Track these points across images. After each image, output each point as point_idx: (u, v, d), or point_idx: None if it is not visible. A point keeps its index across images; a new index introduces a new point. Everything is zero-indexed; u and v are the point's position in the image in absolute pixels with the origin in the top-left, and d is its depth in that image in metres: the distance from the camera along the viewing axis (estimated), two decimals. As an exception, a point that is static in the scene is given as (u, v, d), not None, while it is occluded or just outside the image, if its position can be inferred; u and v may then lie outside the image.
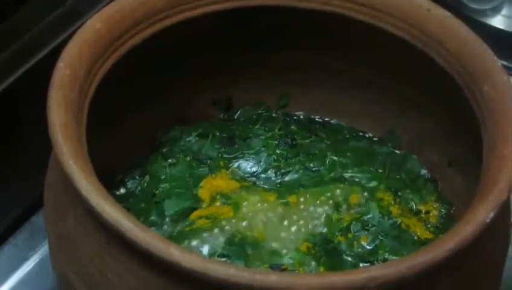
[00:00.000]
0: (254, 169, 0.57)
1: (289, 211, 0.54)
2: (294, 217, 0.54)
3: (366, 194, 0.55)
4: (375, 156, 0.58)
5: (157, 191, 0.55)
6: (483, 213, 0.41)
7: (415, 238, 0.54)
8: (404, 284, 0.39)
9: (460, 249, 0.40)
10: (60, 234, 0.45)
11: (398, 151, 0.59)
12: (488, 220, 0.41)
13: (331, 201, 0.55)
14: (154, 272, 0.40)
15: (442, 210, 0.56)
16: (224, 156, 0.57)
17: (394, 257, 0.52)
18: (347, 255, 0.52)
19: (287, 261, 0.51)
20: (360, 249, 0.53)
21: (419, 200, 0.56)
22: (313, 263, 0.51)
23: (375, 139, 0.60)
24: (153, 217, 0.53)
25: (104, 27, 0.49)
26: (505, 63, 0.72)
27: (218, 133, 0.58)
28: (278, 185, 0.56)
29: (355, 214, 0.54)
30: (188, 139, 0.58)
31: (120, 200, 0.54)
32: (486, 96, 0.47)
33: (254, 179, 0.57)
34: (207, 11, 0.53)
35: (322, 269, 0.51)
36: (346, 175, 0.56)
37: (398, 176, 0.57)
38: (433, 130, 0.57)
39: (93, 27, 0.48)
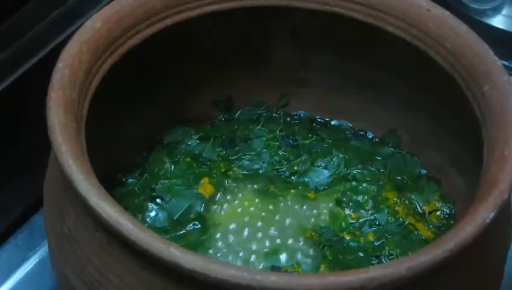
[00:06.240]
0: (256, 171, 0.57)
1: (295, 208, 0.54)
2: (301, 213, 0.54)
3: (373, 193, 0.56)
4: (377, 156, 0.58)
5: (156, 187, 0.55)
6: (483, 214, 0.41)
7: (422, 238, 0.54)
8: (404, 284, 0.39)
9: (461, 250, 0.40)
10: (60, 234, 0.45)
11: (399, 152, 0.59)
12: (488, 221, 0.41)
13: (338, 199, 0.55)
14: (154, 272, 0.40)
15: (445, 209, 0.56)
16: (226, 158, 0.57)
17: (400, 252, 0.52)
18: (353, 248, 0.52)
19: (288, 254, 0.52)
20: (366, 244, 0.53)
21: (422, 200, 0.56)
22: (315, 255, 0.52)
23: (376, 139, 0.60)
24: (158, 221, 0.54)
25: (104, 27, 0.49)
26: (505, 63, 0.72)
27: (218, 136, 0.58)
28: (283, 184, 0.56)
29: (363, 212, 0.54)
30: (189, 143, 0.58)
31: (119, 198, 0.54)
32: (487, 96, 0.47)
33: (257, 179, 0.57)
34: (207, 11, 0.53)
35: (323, 267, 0.51)
36: (352, 173, 0.57)
37: (399, 177, 0.57)
38: (434, 130, 0.57)
39: (92, 27, 0.48)
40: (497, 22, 0.76)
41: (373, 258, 0.52)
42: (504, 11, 0.77)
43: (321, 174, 0.57)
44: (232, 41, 0.57)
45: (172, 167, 0.56)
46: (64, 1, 0.64)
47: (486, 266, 0.45)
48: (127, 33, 0.50)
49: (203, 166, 0.57)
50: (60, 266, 0.46)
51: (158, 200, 0.54)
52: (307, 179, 0.56)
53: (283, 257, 0.52)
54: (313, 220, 0.54)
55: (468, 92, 0.49)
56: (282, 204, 0.55)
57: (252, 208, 0.54)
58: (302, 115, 0.61)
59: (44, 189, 0.49)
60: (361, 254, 0.52)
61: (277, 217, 0.54)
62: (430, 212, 0.56)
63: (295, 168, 0.57)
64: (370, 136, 0.60)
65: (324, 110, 0.61)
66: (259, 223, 0.53)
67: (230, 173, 0.57)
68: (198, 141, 0.58)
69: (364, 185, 0.56)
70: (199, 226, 0.53)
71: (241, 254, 0.52)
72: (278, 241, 0.53)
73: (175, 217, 0.54)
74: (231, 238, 0.53)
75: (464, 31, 0.50)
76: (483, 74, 0.48)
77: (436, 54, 0.51)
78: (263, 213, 0.54)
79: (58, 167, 0.43)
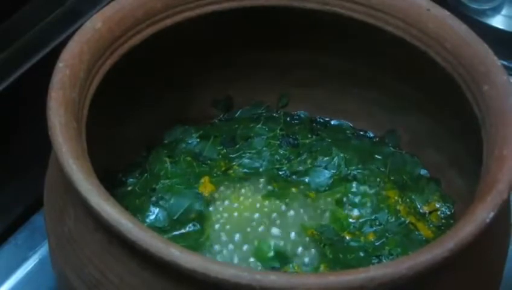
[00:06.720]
0: (257, 169, 0.57)
1: (296, 207, 0.54)
2: (302, 212, 0.54)
3: (373, 192, 0.56)
4: (377, 155, 0.58)
5: (157, 187, 0.55)
6: (482, 213, 0.41)
7: (422, 238, 0.54)
8: (404, 284, 0.39)
9: (460, 250, 0.40)
10: (60, 234, 0.45)
11: (398, 152, 0.59)
12: (487, 220, 0.41)
13: (339, 199, 0.55)
14: (154, 272, 0.40)
15: (444, 209, 0.56)
16: (226, 156, 0.58)
17: (400, 251, 0.52)
18: (353, 248, 0.52)
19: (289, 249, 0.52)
20: (367, 244, 0.53)
21: (422, 201, 0.56)
22: (316, 254, 0.52)
23: (376, 139, 0.60)
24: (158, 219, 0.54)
25: (104, 27, 0.49)
26: (505, 62, 0.72)
27: (219, 135, 0.59)
28: (284, 183, 0.56)
29: (364, 212, 0.54)
30: (189, 141, 0.58)
31: (120, 198, 0.54)
32: (486, 96, 0.47)
33: (257, 178, 0.57)
34: (207, 11, 0.53)
35: (323, 266, 0.51)
36: (353, 173, 0.57)
37: (399, 177, 0.57)
38: (434, 130, 0.57)
39: (93, 27, 0.48)
40: (497, 22, 0.76)
41: (374, 257, 0.52)
42: (504, 11, 0.77)
43: (322, 175, 0.57)
44: (232, 41, 0.57)
45: (173, 166, 0.56)
46: (64, 1, 0.64)
47: (486, 266, 0.45)
48: (127, 33, 0.50)
49: (203, 165, 0.57)
50: (60, 266, 0.46)
51: (158, 200, 0.54)
52: (307, 180, 0.56)
53: (283, 256, 0.52)
54: (314, 219, 0.54)
55: (468, 92, 0.49)
56: (283, 203, 0.54)
57: (252, 207, 0.54)
58: (302, 115, 0.61)
59: (45, 189, 0.49)
60: (361, 254, 0.52)
61: (277, 216, 0.54)
62: (430, 213, 0.56)
63: (296, 167, 0.57)
64: (370, 136, 0.60)
65: (324, 110, 0.61)
66: (259, 222, 0.53)
67: (231, 171, 0.57)
68: (198, 140, 0.58)
69: (365, 184, 0.56)
70: (199, 225, 0.53)
71: (241, 253, 0.52)
72: (279, 240, 0.53)
73: (175, 217, 0.54)
74: (231, 237, 0.53)
75: (464, 31, 0.50)
76: (483, 73, 0.48)
77: (436, 54, 0.51)
78: (264, 212, 0.54)
79: (58, 167, 0.43)
